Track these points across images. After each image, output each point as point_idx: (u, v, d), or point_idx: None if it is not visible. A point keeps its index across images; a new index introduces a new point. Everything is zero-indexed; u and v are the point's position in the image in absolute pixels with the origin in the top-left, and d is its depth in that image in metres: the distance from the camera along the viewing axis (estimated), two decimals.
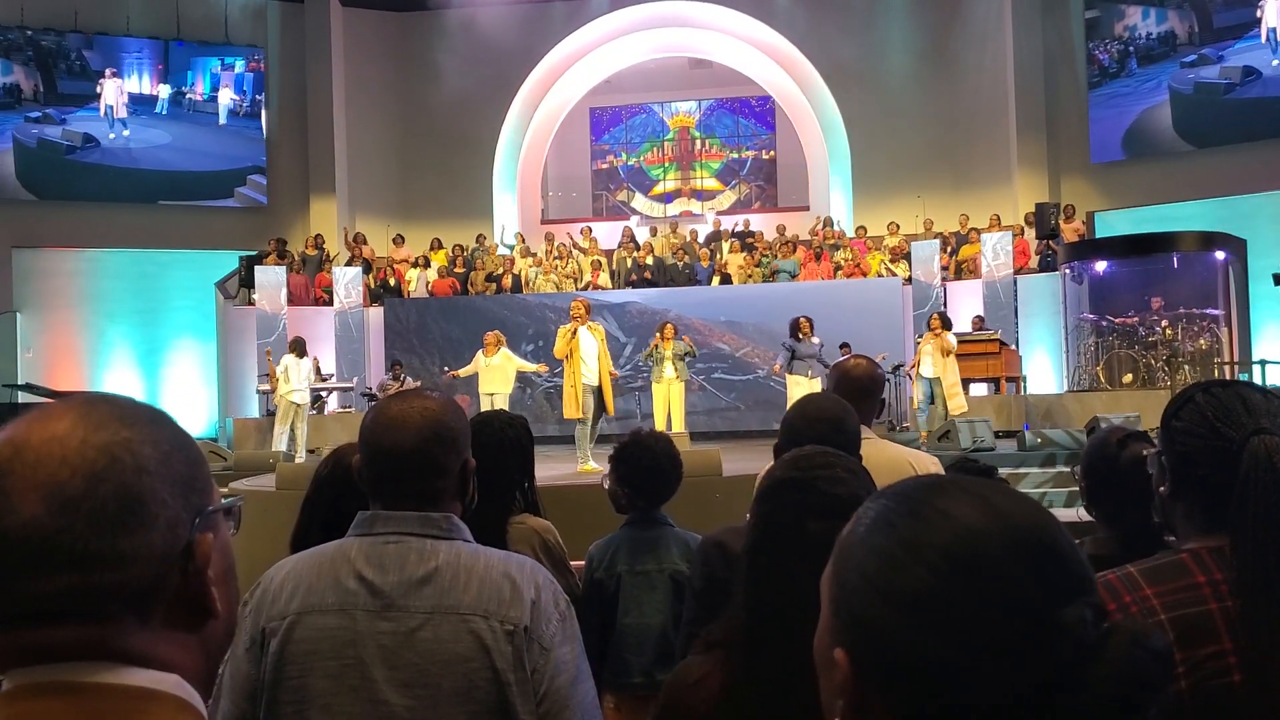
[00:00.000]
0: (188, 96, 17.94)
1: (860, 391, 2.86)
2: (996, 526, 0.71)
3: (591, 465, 8.65)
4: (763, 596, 1.44)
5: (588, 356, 9.05)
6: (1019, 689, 0.67)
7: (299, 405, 11.81)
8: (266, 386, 12.94)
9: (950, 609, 0.69)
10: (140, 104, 17.65)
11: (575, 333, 8.99)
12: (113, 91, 17.42)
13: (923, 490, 0.76)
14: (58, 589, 0.72)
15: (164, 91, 17.77)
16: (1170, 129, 15.84)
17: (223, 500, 0.83)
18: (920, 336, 11.38)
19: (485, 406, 10.52)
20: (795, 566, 1.40)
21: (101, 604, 0.73)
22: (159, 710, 0.74)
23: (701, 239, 17.53)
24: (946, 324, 11.24)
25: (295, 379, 11.77)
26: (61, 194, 16.84)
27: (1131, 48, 16.19)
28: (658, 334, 11.88)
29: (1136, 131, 16.09)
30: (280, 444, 11.57)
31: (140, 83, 17.69)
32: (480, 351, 11.09)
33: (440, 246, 17.31)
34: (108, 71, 17.40)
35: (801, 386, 11.51)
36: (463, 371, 11.46)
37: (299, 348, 12.02)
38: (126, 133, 17.43)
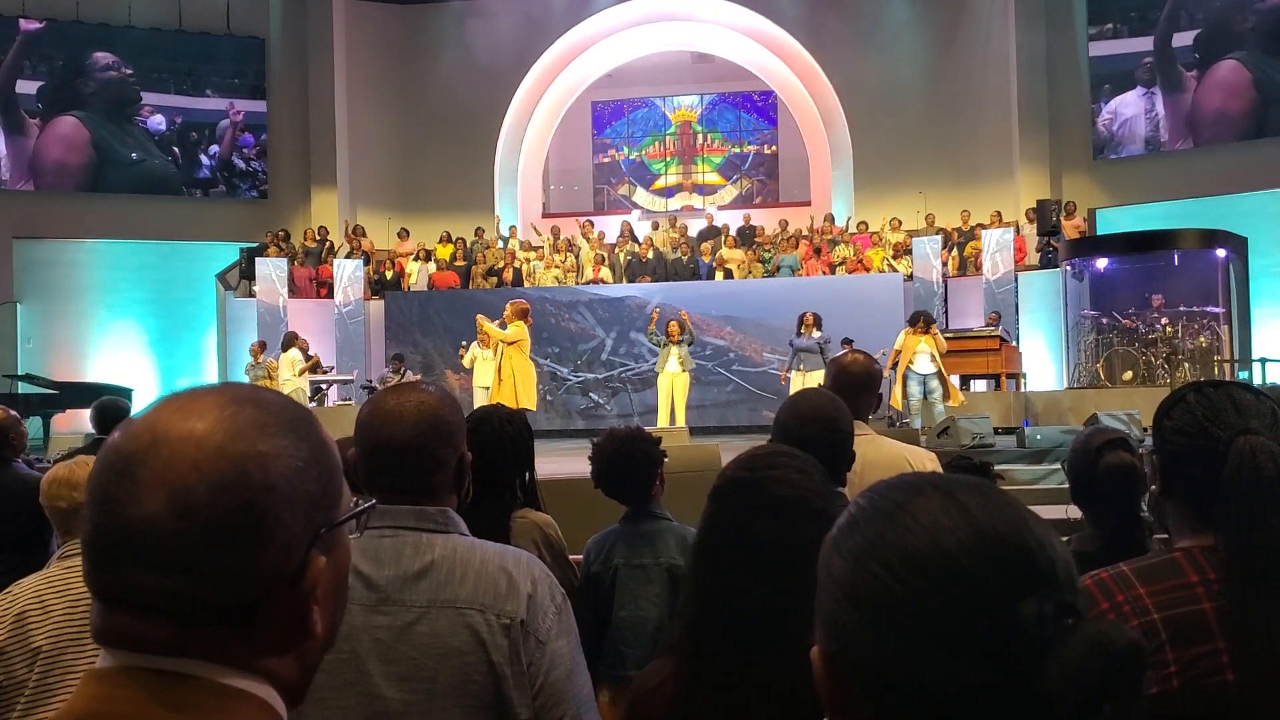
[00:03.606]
0: None
1: (857, 387, 2.85)
2: (959, 523, 0.71)
3: None
4: (709, 596, 1.43)
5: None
6: (974, 685, 0.67)
7: None
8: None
9: (902, 606, 0.69)
10: None
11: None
12: None
13: (893, 490, 0.76)
14: (162, 588, 0.72)
15: None
16: None
17: (352, 507, 0.82)
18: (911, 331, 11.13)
19: (479, 400, 10.36)
20: (740, 566, 1.41)
21: (201, 611, 0.73)
22: (240, 708, 0.74)
23: (697, 234, 17.47)
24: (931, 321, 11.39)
25: (281, 374, 11.94)
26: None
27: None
28: (667, 324, 11.60)
29: None
30: None
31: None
32: (474, 342, 10.75)
33: (449, 240, 17.23)
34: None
35: (797, 382, 11.61)
36: (466, 360, 11.17)
37: (284, 343, 12.22)
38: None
